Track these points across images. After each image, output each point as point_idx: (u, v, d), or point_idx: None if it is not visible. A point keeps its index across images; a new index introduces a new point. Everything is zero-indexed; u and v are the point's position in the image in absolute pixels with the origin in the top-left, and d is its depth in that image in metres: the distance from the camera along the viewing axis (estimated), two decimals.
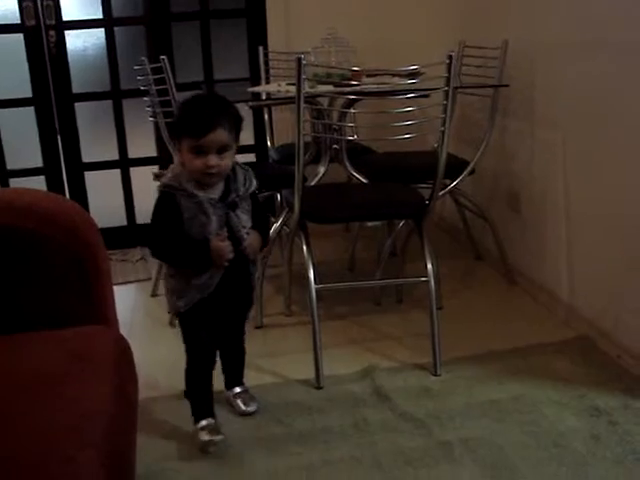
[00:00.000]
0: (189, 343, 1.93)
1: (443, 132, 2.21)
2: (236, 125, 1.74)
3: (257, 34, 3.53)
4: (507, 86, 2.75)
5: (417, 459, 1.84)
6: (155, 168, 3.48)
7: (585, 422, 1.99)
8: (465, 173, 2.79)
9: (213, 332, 1.95)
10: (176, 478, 1.80)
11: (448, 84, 2.17)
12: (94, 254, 1.49)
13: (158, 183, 1.79)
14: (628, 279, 2.26)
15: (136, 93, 3.06)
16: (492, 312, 2.74)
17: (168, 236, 1.77)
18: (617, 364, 2.29)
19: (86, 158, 3.54)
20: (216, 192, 1.78)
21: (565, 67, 2.50)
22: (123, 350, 1.44)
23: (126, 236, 3.57)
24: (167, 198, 1.75)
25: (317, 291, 2.29)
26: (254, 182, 1.86)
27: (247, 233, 1.84)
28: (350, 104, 2.64)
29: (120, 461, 1.14)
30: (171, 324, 2.69)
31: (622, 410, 2.04)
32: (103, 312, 1.52)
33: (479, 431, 1.95)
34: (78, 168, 3.53)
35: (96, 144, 3.61)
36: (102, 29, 3.44)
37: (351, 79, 2.46)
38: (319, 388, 2.21)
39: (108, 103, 3.51)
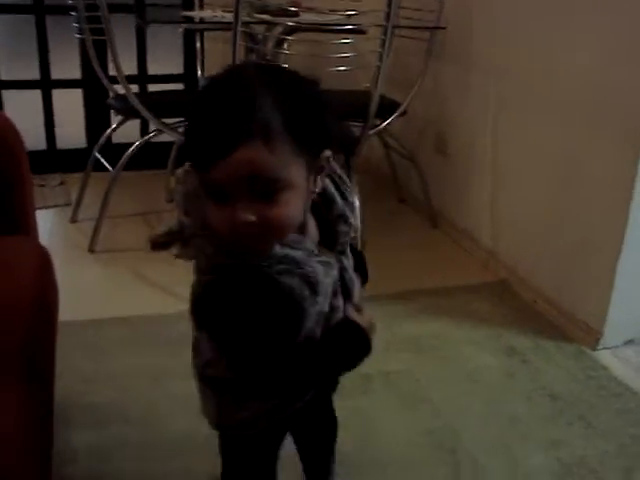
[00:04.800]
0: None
1: (379, 67, 2.20)
2: (306, 128, 0.88)
3: None
4: (444, 28, 2.74)
5: (338, 390, 1.86)
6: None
7: (500, 360, 2.06)
8: (397, 114, 2.78)
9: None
10: (96, 400, 1.78)
11: (388, 19, 2.15)
12: (17, 161, 1.42)
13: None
14: (546, 228, 2.33)
15: (61, 10, 2.92)
16: (414, 254, 2.78)
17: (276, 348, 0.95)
18: (532, 308, 2.36)
19: (4, 76, 3.37)
20: (309, 237, 0.98)
21: (502, 15, 2.50)
22: (44, 259, 1.39)
23: (45, 161, 3.44)
24: (238, 288, 0.91)
25: None
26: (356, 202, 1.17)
27: None
28: (287, 33, 2.59)
29: (39, 368, 1.11)
30: (91, 250, 2.64)
31: (534, 350, 2.12)
32: (24, 222, 1.45)
33: (398, 365, 1.99)
34: None
35: (16, 61, 3.44)
36: None
37: (289, 9, 2.42)
38: None
39: (30, 18, 3.33)
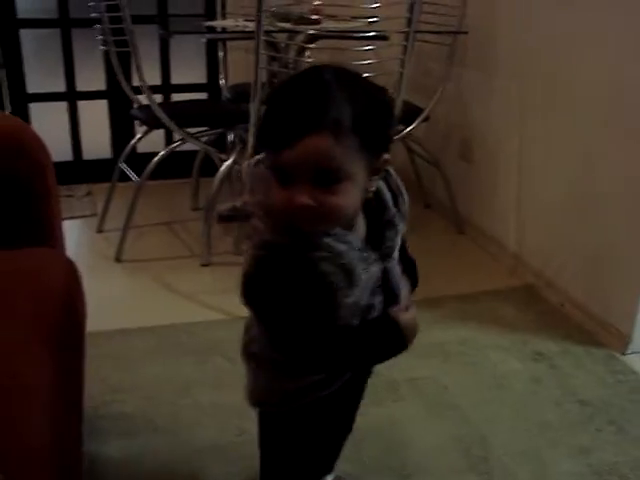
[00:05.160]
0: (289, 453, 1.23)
1: (402, 74, 2.20)
2: (371, 130, 0.93)
3: None
4: (466, 33, 2.73)
5: (365, 397, 1.86)
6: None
7: (527, 366, 2.04)
8: (420, 119, 2.77)
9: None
10: (123, 409, 1.79)
11: (410, 25, 2.14)
12: (43, 173, 1.43)
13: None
14: (573, 231, 2.30)
15: (86, 23, 2.95)
16: (440, 260, 2.76)
17: (316, 329, 1.02)
18: (560, 312, 2.34)
19: (31, 89, 3.42)
20: (355, 234, 1.02)
21: (525, 17, 2.49)
22: (72, 271, 1.41)
23: (72, 171, 3.47)
24: (283, 270, 0.97)
25: None
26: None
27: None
28: (309, 41, 2.59)
29: (69, 379, 1.12)
30: (117, 259, 2.66)
31: (562, 355, 2.10)
32: (50, 234, 1.47)
33: (425, 371, 1.98)
34: (22, 99, 3.41)
35: (42, 75, 3.48)
36: None
37: (310, 17, 2.42)
38: None
39: (56, 31, 3.37)
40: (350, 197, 0.94)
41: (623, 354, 2.09)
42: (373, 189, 0.99)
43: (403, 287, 1.14)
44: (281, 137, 0.90)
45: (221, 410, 1.80)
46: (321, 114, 0.89)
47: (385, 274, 1.07)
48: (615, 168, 2.11)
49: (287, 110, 0.91)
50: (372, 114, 0.94)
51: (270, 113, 0.95)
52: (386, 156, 0.98)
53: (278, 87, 1.00)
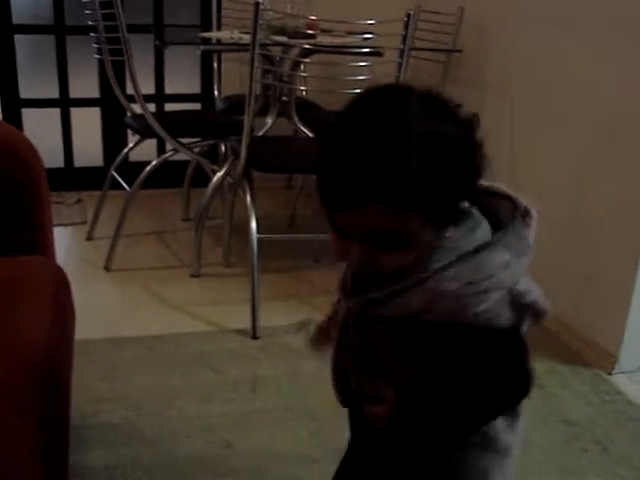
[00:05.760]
0: None
1: None
2: (444, 199, 0.82)
3: None
4: (460, 51, 2.75)
5: None
6: None
7: None
8: None
9: None
10: (109, 419, 1.78)
11: (404, 42, 2.16)
12: (35, 180, 1.43)
13: None
14: (562, 249, 2.31)
15: (81, 30, 2.96)
16: None
17: None
18: (547, 331, 2.34)
19: (24, 94, 3.41)
20: None
21: (517, 37, 2.51)
22: (61, 280, 1.40)
23: (63, 178, 3.47)
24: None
25: (257, 244, 2.27)
26: None
27: None
28: (304, 55, 2.61)
29: (56, 386, 1.11)
30: (106, 268, 2.65)
31: (549, 374, 2.10)
32: (41, 242, 1.46)
33: None
34: (15, 104, 3.40)
35: (36, 80, 3.48)
36: None
37: (305, 31, 2.44)
38: (255, 338, 2.20)
39: (50, 38, 3.37)
40: (405, 257, 0.84)
41: (609, 374, 2.10)
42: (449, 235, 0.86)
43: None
44: (335, 199, 0.82)
45: (208, 422, 1.79)
46: (375, 182, 0.77)
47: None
48: (604, 188, 2.12)
49: (341, 169, 0.80)
50: (447, 166, 0.81)
51: (325, 164, 0.83)
52: (465, 204, 0.88)
53: (340, 117, 0.84)
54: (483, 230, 0.89)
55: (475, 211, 0.91)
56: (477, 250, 0.86)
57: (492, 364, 0.88)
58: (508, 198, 0.96)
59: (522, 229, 0.91)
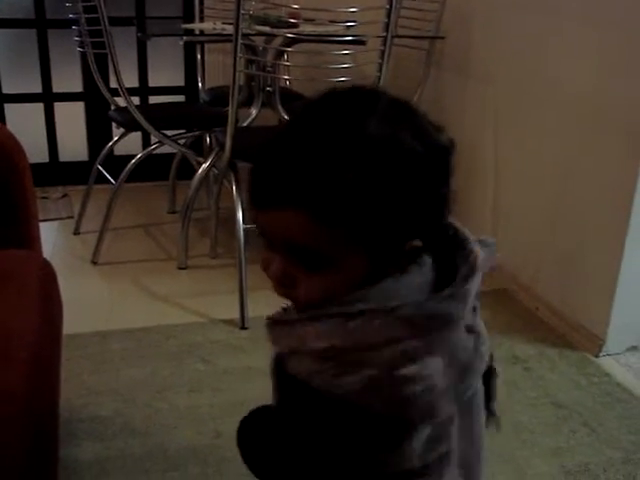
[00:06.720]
0: None
1: (379, 78, 2.21)
2: (393, 215, 0.69)
3: None
4: (443, 38, 2.75)
5: None
6: None
7: (503, 368, 2.05)
8: None
9: None
10: (99, 412, 1.78)
11: (387, 30, 2.16)
12: (19, 175, 1.42)
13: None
14: (547, 235, 2.33)
15: (62, 24, 2.94)
16: None
17: None
18: (535, 315, 2.36)
19: (6, 89, 3.39)
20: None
21: (500, 23, 2.51)
22: (49, 274, 1.40)
23: (48, 173, 3.45)
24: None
25: (244, 234, 2.27)
26: None
27: None
28: (287, 45, 2.60)
29: (45, 379, 1.11)
30: (94, 262, 2.65)
31: (537, 357, 2.11)
32: (27, 236, 1.46)
33: None
34: None
35: (18, 76, 3.45)
36: None
37: (288, 20, 2.43)
38: (244, 328, 2.20)
39: (32, 32, 3.35)
40: (331, 284, 0.71)
41: (596, 356, 2.12)
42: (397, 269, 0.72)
43: None
44: (257, 194, 0.72)
45: (198, 413, 1.79)
46: (302, 183, 0.66)
47: None
48: (589, 173, 2.14)
49: (267, 167, 0.71)
50: (393, 199, 0.68)
51: (257, 161, 0.73)
52: (416, 242, 0.73)
53: (291, 120, 0.76)
54: (419, 289, 0.73)
55: (427, 259, 0.75)
56: (389, 311, 0.69)
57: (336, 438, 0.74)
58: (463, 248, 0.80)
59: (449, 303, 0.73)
